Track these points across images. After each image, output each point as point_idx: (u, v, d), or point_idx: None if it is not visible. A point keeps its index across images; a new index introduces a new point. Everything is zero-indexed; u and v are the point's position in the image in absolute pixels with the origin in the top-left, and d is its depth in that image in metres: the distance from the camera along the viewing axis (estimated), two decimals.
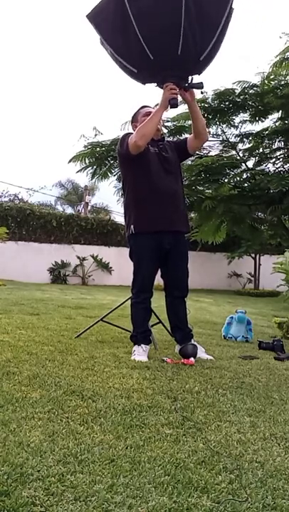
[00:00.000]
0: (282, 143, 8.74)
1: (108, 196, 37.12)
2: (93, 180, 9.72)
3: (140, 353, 2.81)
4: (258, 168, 9.12)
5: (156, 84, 2.79)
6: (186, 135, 6.90)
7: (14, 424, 1.52)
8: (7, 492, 1.09)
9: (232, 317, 4.02)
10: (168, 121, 8.30)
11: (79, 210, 24.05)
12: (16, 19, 43.83)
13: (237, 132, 8.61)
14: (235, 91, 7.81)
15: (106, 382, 2.12)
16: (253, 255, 14.90)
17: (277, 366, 2.88)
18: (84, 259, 14.02)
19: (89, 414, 1.69)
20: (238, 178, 9.16)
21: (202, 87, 2.78)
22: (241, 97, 7.84)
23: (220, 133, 8.72)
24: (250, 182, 8.94)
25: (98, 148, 8.71)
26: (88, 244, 14.59)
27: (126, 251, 3.18)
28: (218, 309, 7.28)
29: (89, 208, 22.36)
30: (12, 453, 1.31)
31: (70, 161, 9.00)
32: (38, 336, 3.27)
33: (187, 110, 3.04)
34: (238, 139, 8.75)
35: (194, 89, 2.82)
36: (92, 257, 14.15)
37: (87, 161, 8.93)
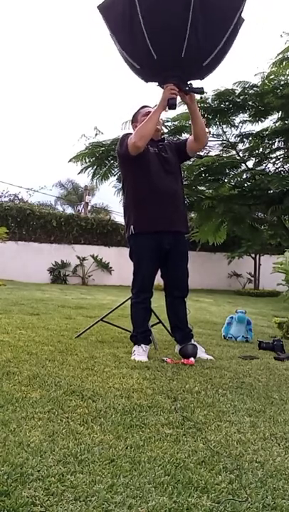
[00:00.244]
0: (282, 143, 8.73)
1: (108, 196, 37.21)
2: (93, 181, 9.72)
3: (140, 353, 2.81)
4: (258, 168, 9.11)
5: (157, 83, 2.79)
6: (187, 135, 6.91)
7: (14, 424, 1.53)
8: (7, 492, 1.09)
9: (232, 317, 4.03)
10: (168, 121, 8.29)
11: (79, 210, 24.06)
12: (17, 19, 43.91)
13: (237, 132, 8.61)
14: (235, 91, 7.80)
15: (106, 382, 2.12)
16: (253, 255, 14.91)
17: (277, 366, 2.88)
18: (84, 259, 14.03)
19: (89, 414, 1.69)
20: (238, 178, 9.15)
21: (202, 92, 2.76)
22: (241, 97, 7.83)
23: (220, 133, 8.72)
24: (251, 182, 8.94)
25: (98, 148, 8.70)
26: (88, 244, 14.61)
27: (126, 251, 3.18)
28: (218, 309, 7.29)
29: (89, 208, 22.37)
30: (12, 453, 1.31)
31: (70, 161, 9.01)
32: (38, 336, 3.27)
33: (187, 111, 3.04)
34: (238, 139, 8.74)
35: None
36: (92, 257, 14.16)
37: (87, 161, 8.93)
